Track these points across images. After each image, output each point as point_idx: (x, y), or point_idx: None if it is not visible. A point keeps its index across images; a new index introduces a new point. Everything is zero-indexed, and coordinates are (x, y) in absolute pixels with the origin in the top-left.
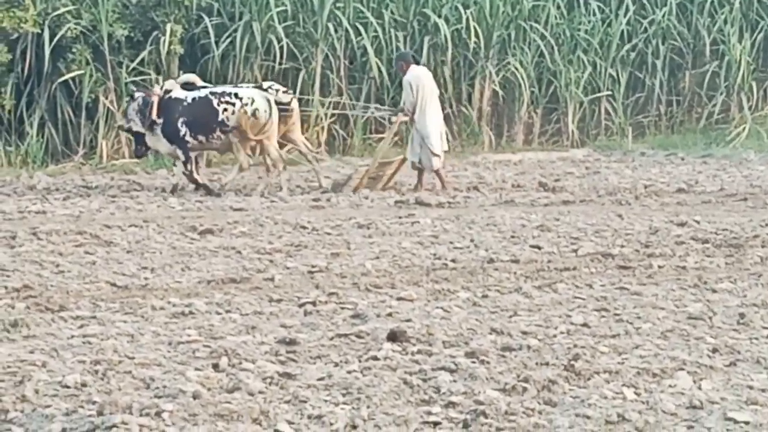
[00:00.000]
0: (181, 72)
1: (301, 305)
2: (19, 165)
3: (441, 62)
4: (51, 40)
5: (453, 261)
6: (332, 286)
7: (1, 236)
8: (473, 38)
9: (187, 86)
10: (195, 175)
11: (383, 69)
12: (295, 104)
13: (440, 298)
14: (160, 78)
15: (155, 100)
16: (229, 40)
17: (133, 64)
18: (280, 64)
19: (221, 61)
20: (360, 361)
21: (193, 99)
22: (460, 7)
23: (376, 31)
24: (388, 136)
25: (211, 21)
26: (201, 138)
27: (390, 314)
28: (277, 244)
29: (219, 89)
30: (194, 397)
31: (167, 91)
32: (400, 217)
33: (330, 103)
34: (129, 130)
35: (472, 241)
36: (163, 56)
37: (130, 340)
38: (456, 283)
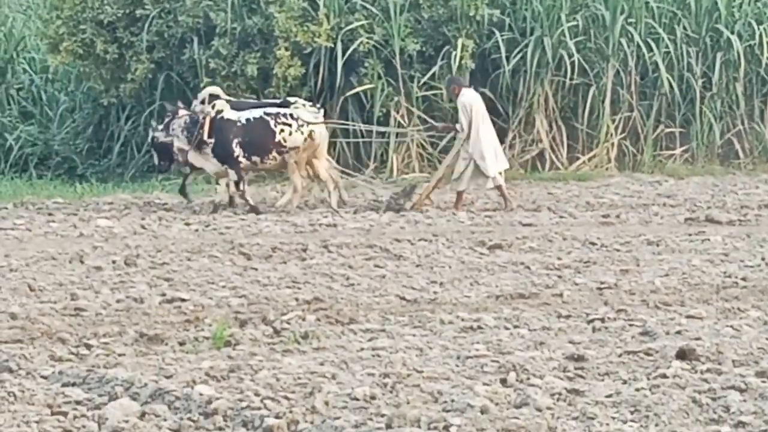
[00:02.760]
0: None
1: (589, 321)
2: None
3: (733, 78)
4: (343, 54)
5: (743, 279)
6: (621, 302)
7: (293, 249)
8: (766, 54)
9: (212, 98)
10: (247, 196)
11: (674, 85)
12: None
13: (730, 317)
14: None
15: (207, 119)
16: (520, 55)
17: (425, 79)
18: (571, 79)
19: (512, 77)
20: (648, 379)
21: (248, 120)
22: (754, 23)
23: (667, 46)
24: (450, 156)
25: (502, 36)
26: (255, 159)
27: (679, 332)
28: (566, 259)
29: (273, 110)
30: (482, 412)
31: (219, 111)
32: (690, 235)
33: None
34: (159, 145)
35: (763, 259)
36: (454, 71)
37: (418, 354)
38: (746, 302)
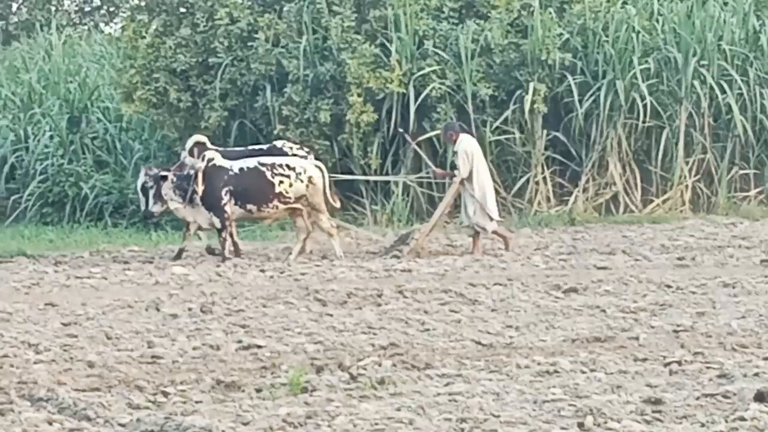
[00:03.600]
0: (544, 131)
1: (666, 364)
2: (385, 224)
3: None
4: (416, 100)
5: None
6: (698, 345)
7: (368, 294)
8: None
9: (198, 146)
10: (227, 245)
11: (748, 126)
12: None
13: None
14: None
15: (200, 170)
16: (592, 98)
17: (497, 123)
18: (644, 122)
19: (585, 120)
20: (726, 422)
21: (241, 169)
22: None
23: (740, 88)
24: (445, 202)
25: (574, 79)
26: (251, 207)
27: (757, 374)
28: (642, 302)
29: (267, 160)
30: None
31: (210, 160)
32: (766, 276)
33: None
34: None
35: None
36: (527, 115)
37: (495, 399)
38: None
